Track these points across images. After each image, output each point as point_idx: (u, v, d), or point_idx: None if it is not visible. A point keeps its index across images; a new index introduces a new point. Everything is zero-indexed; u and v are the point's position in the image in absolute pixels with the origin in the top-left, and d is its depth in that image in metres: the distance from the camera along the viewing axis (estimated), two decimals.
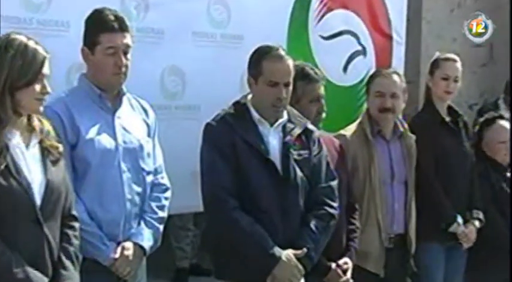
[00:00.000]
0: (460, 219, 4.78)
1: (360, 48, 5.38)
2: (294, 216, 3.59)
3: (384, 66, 5.29)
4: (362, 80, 5.26)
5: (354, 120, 4.63)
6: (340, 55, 5.25)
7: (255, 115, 3.61)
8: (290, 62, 3.63)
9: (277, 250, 3.46)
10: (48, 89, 2.92)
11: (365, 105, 4.77)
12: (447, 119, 4.94)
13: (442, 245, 4.81)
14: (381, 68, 5.07)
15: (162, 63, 4.32)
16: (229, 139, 3.53)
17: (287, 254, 3.48)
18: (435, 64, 5.00)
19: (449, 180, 4.78)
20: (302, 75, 3.94)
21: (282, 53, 3.62)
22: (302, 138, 3.70)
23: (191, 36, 4.42)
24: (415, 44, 6.70)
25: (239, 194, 3.50)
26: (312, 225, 3.59)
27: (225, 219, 3.48)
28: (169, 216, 3.79)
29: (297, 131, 3.68)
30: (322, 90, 4.10)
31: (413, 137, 4.60)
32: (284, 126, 3.66)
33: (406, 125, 4.62)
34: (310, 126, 3.77)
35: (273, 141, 3.61)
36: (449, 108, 5.01)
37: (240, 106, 3.65)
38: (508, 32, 6.74)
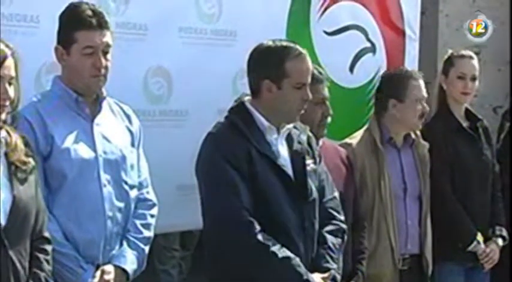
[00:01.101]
0: (480, 237, 4.81)
1: (368, 44, 5.38)
2: (313, 235, 3.63)
3: (396, 65, 5.32)
4: (371, 81, 5.30)
5: (362, 127, 4.68)
6: (346, 53, 5.25)
7: (263, 122, 3.60)
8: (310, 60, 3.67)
9: (310, 276, 3.49)
10: (9, 94, 2.89)
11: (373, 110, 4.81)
12: (464, 124, 4.96)
13: (462, 265, 4.86)
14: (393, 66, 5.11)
15: (145, 63, 4.32)
16: (244, 151, 3.50)
17: (316, 277, 3.53)
18: (449, 62, 5.04)
19: (468, 193, 4.81)
20: None
21: (303, 50, 3.63)
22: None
23: (178, 32, 4.43)
24: (432, 39, 6.73)
25: (256, 214, 3.48)
26: (330, 243, 3.65)
27: (252, 244, 3.44)
28: (154, 236, 3.79)
29: (303, 137, 3.71)
30: (326, 92, 4.16)
31: (427, 145, 4.64)
32: (289, 134, 3.67)
33: (418, 132, 4.66)
34: (309, 133, 3.81)
35: (282, 151, 3.62)
36: (467, 111, 5.03)
37: (242, 111, 3.63)
38: None
